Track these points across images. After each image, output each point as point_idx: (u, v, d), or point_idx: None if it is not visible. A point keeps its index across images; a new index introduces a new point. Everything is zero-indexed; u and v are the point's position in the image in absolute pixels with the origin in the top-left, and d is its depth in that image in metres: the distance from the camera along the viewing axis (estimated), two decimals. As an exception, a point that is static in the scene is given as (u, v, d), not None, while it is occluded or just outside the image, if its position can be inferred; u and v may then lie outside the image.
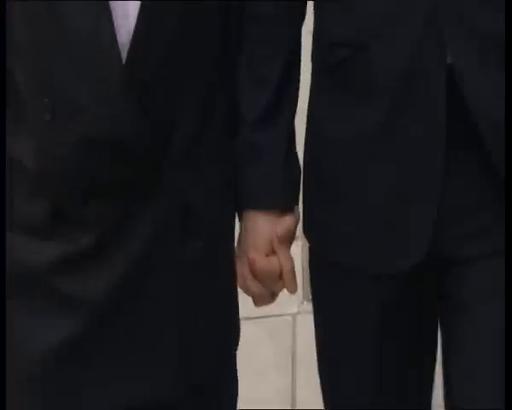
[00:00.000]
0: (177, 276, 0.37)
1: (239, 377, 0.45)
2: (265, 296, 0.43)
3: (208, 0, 0.37)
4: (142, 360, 0.36)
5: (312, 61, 0.45)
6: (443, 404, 0.47)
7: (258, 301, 0.43)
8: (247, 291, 0.43)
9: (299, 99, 0.45)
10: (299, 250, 0.75)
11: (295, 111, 0.44)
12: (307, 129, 0.45)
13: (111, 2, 0.31)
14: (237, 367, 0.45)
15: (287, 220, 0.42)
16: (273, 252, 0.42)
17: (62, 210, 0.35)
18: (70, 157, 0.34)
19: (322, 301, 0.47)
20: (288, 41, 0.43)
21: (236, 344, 0.44)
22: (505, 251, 0.36)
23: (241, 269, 0.42)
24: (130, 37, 0.32)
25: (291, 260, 0.43)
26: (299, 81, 0.44)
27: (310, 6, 0.45)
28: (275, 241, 0.41)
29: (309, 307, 0.60)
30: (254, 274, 0.41)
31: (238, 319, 0.44)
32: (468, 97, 0.36)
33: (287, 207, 0.42)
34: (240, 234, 0.44)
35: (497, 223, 0.38)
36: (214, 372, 0.40)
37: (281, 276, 0.42)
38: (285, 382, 1.05)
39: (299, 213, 0.44)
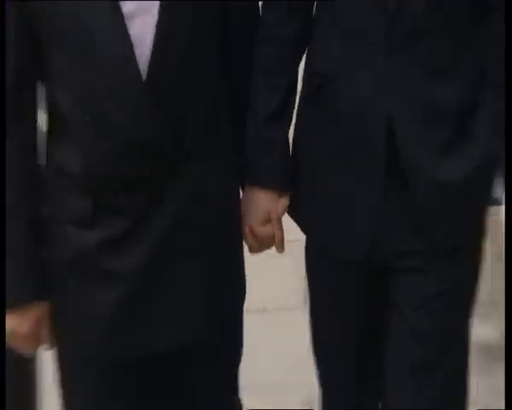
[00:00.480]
0: (196, 248, 0.48)
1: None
2: (259, 250, 0.59)
3: (210, 21, 0.48)
4: (177, 306, 0.48)
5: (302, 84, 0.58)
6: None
7: (253, 251, 0.59)
8: (246, 244, 0.57)
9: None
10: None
11: (293, 113, 0.57)
12: (294, 134, 0.57)
13: (131, 33, 0.41)
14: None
15: (284, 200, 0.55)
16: (268, 222, 0.55)
17: (102, 204, 0.45)
18: (107, 161, 0.44)
19: (309, 274, 0.61)
20: (294, 60, 0.56)
21: (244, 295, 0.57)
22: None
23: (244, 230, 0.55)
24: (148, 59, 0.42)
25: (282, 229, 0.57)
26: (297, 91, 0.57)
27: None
28: (273, 215, 0.54)
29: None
30: (253, 235, 0.55)
31: (244, 275, 0.57)
32: (401, 151, 0.47)
33: (285, 189, 0.55)
34: (243, 206, 0.55)
35: (428, 246, 0.49)
36: (231, 311, 0.54)
37: (273, 240, 0.56)
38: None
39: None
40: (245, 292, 0.57)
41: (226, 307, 0.52)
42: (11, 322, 0.46)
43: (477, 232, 0.54)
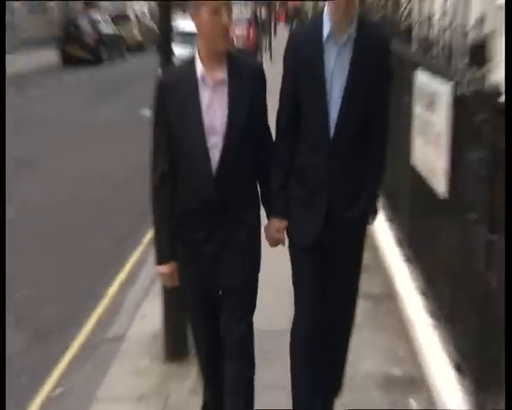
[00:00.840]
0: (239, 243, 1.06)
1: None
2: (274, 245, 1.25)
3: (248, 149, 1.08)
4: (231, 269, 1.06)
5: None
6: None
7: (272, 245, 1.24)
8: (269, 242, 1.24)
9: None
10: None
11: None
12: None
13: (210, 154, 1.00)
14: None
15: (284, 222, 1.18)
16: (279, 232, 1.19)
17: (197, 223, 1.06)
18: (194, 206, 1.05)
19: (291, 254, 1.24)
20: (288, 162, 1.17)
21: (259, 267, 1.15)
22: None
23: (266, 237, 1.22)
24: (216, 167, 1.01)
25: (283, 235, 1.20)
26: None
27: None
28: (281, 229, 1.19)
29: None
30: (271, 238, 1.21)
31: (260, 258, 1.15)
32: (332, 205, 1.14)
33: (284, 217, 1.18)
34: (265, 226, 1.21)
35: (341, 241, 1.17)
36: (252, 270, 1.12)
37: (279, 241, 1.22)
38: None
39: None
40: (259, 266, 1.17)
41: (248, 271, 1.11)
42: (161, 269, 1.11)
43: (362, 237, 1.23)
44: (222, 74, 1.04)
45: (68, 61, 12.08)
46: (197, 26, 1.03)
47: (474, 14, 2.73)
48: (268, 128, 1.20)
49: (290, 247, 1.26)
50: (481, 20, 1.84)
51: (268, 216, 1.24)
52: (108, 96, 8.19)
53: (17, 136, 5.18)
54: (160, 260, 1.14)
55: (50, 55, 12.38)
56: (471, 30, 1.73)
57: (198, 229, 1.09)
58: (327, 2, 1.13)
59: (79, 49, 12.23)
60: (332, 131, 1.12)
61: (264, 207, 1.23)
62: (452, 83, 1.40)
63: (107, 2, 18.91)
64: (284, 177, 1.21)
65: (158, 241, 1.16)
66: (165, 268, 1.13)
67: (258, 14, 11.47)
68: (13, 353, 1.85)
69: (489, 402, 1.13)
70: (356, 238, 1.24)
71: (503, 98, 1.04)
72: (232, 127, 1.03)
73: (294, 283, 1.26)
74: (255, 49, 10.20)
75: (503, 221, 0.88)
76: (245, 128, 1.05)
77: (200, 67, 1.04)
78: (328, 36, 1.10)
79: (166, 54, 1.66)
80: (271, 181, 1.20)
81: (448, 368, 1.42)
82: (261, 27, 10.31)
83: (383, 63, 1.16)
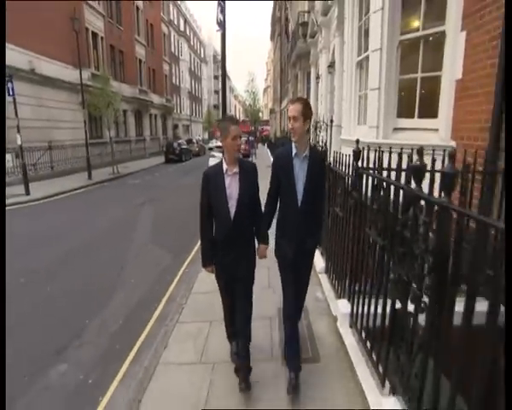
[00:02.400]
0: (246, 252, 2.34)
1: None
2: (262, 258, 2.43)
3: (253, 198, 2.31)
4: (243, 266, 2.33)
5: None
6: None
7: (260, 258, 2.42)
8: (259, 256, 2.44)
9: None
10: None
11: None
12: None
13: (229, 201, 2.22)
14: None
15: (267, 247, 2.41)
16: (264, 252, 2.40)
17: (219, 246, 2.31)
18: (221, 237, 2.30)
19: (279, 264, 2.46)
20: (271, 216, 2.43)
21: (254, 264, 2.41)
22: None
23: (258, 254, 2.42)
24: (233, 217, 2.21)
25: (267, 254, 2.42)
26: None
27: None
28: (265, 250, 2.41)
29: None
30: (260, 254, 2.41)
31: (255, 258, 2.41)
32: (302, 238, 2.41)
33: (267, 245, 2.40)
34: (257, 248, 2.41)
35: (306, 254, 2.45)
36: (251, 268, 2.39)
37: (265, 256, 2.42)
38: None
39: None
40: (255, 267, 2.38)
41: (250, 266, 2.35)
42: (207, 270, 2.39)
43: (314, 253, 2.51)
44: (236, 169, 2.20)
45: (168, 161, 21.23)
46: (224, 144, 2.18)
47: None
48: (258, 198, 2.30)
49: (278, 261, 2.39)
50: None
51: (259, 243, 2.35)
52: (185, 174, 15.48)
53: (150, 190, 11.52)
54: (204, 263, 2.37)
55: (161, 159, 22.08)
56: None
57: (222, 249, 2.26)
58: (293, 141, 2.26)
59: (173, 155, 21.30)
60: (299, 202, 2.23)
61: (257, 239, 2.34)
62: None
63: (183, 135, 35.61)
64: (269, 223, 2.37)
65: (202, 251, 2.35)
66: (207, 268, 2.37)
67: (250, 137, 22.72)
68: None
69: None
70: (312, 254, 2.46)
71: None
72: (241, 197, 2.17)
73: (282, 277, 2.40)
74: (248, 154, 19.83)
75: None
76: (248, 198, 2.19)
77: (225, 166, 2.19)
78: (295, 154, 2.24)
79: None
80: (261, 226, 2.33)
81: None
82: (251, 144, 20.94)
83: (322, 167, 2.39)
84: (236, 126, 2.19)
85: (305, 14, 11.51)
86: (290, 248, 2.33)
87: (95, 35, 18.19)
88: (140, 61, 25.23)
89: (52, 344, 3.14)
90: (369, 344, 2.39)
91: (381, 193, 2.15)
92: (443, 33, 3.64)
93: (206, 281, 3.75)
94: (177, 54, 38.30)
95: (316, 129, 9.04)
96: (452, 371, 1.43)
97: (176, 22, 38.04)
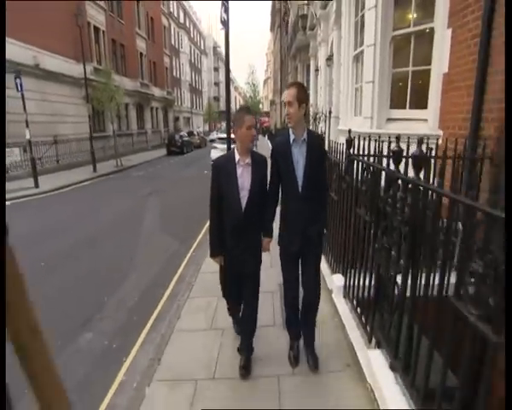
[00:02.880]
0: (254, 245, 2.35)
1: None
2: (265, 251, 2.43)
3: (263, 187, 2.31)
4: (249, 256, 2.33)
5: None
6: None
7: (264, 251, 2.41)
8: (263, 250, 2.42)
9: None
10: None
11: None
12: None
13: (240, 195, 2.22)
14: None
15: (271, 240, 2.40)
16: (267, 244, 2.39)
17: (229, 236, 2.30)
18: (231, 227, 2.28)
19: (281, 253, 2.43)
20: (275, 205, 2.36)
21: (260, 260, 2.41)
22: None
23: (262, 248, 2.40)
24: (244, 207, 2.22)
25: (269, 247, 2.42)
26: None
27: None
28: (269, 242, 2.40)
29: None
30: (263, 248, 2.39)
31: (261, 253, 2.40)
32: (306, 226, 2.32)
33: (270, 237, 2.39)
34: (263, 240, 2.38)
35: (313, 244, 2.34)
36: (258, 263, 2.41)
37: (268, 249, 2.41)
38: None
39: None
40: (261, 260, 2.39)
41: (257, 262, 2.37)
42: (215, 260, 2.40)
43: (321, 240, 2.36)
44: (248, 160, 2.21)
45: (170, 153, 21.41)
46: (237, 135, 2.17)
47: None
48: (267, 190, 2.28)
49: (280, 251, 2.36)
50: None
51: (263, 236, 2.33)
52: (187, 166, 15.77)
53: (154, 182, 11.80)
54: (212, 254, 2.37)
55: (162, 152, 22.17)
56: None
57: (231, 239, 2.24)
58: (290, 127, 2.23)
59: (174, 147, 21.43)
60: (300, 188, 2.18)
61: (262, 231, 2.33)
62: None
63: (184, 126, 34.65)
64: (272, 213, 2.32)
65: (211, 241, 2.33)
66: (215, 258, 2.37)
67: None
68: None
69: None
70: (318, 241, 2.31)
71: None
72: (253, 188, 2.18)
73: (283, 267, 2.39)
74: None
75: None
76: (259, 189, 2.21)
77: (237, 155, 2.20)
78: (293, 140, 2.21)
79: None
80: (265, 218, 2.28)
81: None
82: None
83: (322, 151, 2.30)
84: (251, 116, 2.20)
85: (305, 7, 11.64)
86: (294, 238, 2.31)
87: (97, 29, 18.30)
88: (141, 54, 25.29)
89: (76, 318, 3.50)
90: (359, 310, 2.73)
91: (368, 176, 2.46)
92: (432, 30, 3.90)
93: (214, 262, 4.10)
94: (177, 46, 38.17)
95: (315, 120, 9.29)
96: (421, 323, 1.76)
97: (176, 14, 37.82)
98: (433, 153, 3.14)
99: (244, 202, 2.22)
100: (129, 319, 3.50)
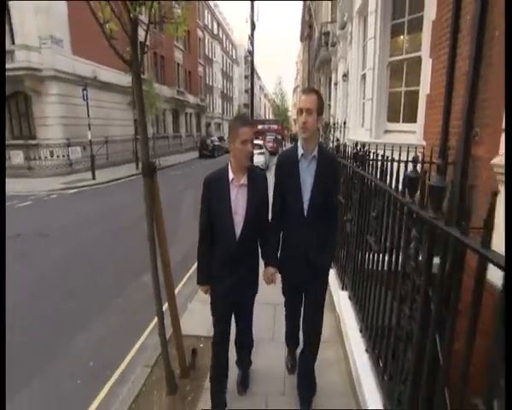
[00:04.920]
0: (250, 277, 2.01)
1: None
2: (269, 284, 2.11)
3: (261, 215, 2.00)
4: (242, 284, 1.98)
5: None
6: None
7: (268, 284, 2.08)
8: (266, 282, 2.11)
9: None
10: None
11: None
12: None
13: (234, 217, 1.87)
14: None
15: (276, 269, 2.07)
16: (273, 275, 2.06)
17: (220, 266, 1.95)
18: (222, 256, 1.94)
19: (282, 281, 2.22)
20: (278, 231, 2.07)
21: (257, 287, 2.11)
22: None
23: (264, 278, 2.09)
24: (238, 234, 1.86)
25: (276, 278, 2.09)
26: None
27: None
28: (274, 273, 2.07)
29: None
30: (268, 279, 2.07)
31: (258, 282, 2.08)
32: (308, 255, 2.01)
33: (276, 266, 2.08)
34: (264, 271, 2.09)
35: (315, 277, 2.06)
36: (254, 294, 2.13)
37: (274, 281, 2.08)
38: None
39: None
40: (257, 292, 2.08)
41: (253, 293, 2.08)
42: (202, 289, 2.04)
43: (327, 273, 2.08)
44: (243, 180, 1.81)
45: (202, 156, 23.24)
46: (232, 149, 1.79)
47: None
48: (268, 213, 1.95)
49: (283, 283, 2.16)
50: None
51: (266, 265, 2.00)
52: (217, 168, 18.07)
53: (189, 179, 13.20)
54: (199, 282, 2.00)
55: (195, 154, 24.26)
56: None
57: (222, 269, 1.90)
58: (300, 139, 1.96)
59: (206, 151, 23.25)
60: (306, 212, 1.86)
61: (264, 259, 2.00)
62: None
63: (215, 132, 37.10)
64: (277, 241, 1.99)
65: (198, 268, 1.98)
66: (202, 287, 2.00)
67: (278, 137, 24.75)
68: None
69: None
70: (323, 274, 2.04)
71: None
72: (249, 213, 1.81)
73: (284, 295, 2.23)
74: (276, 151, 21.43)
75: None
76: (256, 214, 1.83)
77: (231, 174, 1.80)
78: (302, 155, 1.89)
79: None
80: (268, 243, 1.97)
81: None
82: (279, 142, 22.20)
83: (334, 171, 1.97)
84: (247, 129, 1.79)
85: (328, 25, 12.56)
86: (295, 269, 2.08)
87: (141, 44, 20.38)
88: (178, 64, 27.40)
89: (134, 270, 4.83)
90: (340, 271, 3.67)
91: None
92: (419, 58, 4.75)
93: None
94: (210, 56, 40.32)
95: (325, 132, 10.16)
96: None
97: (210, 26, 40.02)
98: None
99: (239, 229, 1.90)
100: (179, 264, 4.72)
